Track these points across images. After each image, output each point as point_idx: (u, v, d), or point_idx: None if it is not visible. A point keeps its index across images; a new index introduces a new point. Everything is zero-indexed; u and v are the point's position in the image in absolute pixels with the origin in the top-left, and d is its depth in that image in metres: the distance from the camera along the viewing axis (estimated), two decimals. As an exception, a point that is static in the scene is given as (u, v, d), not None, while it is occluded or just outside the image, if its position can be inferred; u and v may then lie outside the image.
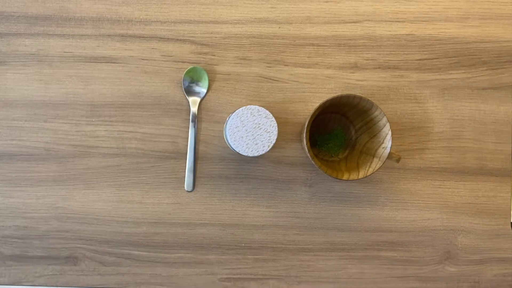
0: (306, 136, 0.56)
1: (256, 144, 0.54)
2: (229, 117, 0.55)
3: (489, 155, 0.65)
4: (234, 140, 0.54)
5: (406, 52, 0.65)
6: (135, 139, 0.65)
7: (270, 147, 0.55)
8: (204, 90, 0.64)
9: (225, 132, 0.56)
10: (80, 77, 0.65)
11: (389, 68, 0.65)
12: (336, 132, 0.63)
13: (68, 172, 0.65)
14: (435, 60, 0.65)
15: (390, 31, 0.65)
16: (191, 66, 0.64)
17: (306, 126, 0.56)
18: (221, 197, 0.65)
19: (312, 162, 0.56)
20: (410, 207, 0.65)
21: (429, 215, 0.65)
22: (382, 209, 0.65)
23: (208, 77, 0.64)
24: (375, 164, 0.56)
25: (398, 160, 0.56)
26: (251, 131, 0.54)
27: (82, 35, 0.65)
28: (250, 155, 0.55)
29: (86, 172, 0.65)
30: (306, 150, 0.56)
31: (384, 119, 0.55)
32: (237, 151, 0.55)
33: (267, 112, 0.55)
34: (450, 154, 0.65)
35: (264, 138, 0.55)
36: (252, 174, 0.65)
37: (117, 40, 0.65)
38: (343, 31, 0.65)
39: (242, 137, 0.54)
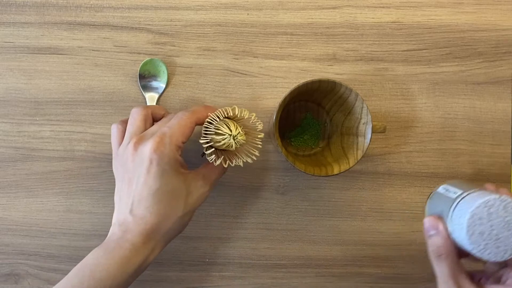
0: (275, 127, 0.52)
1: (497, 247, 0.43)
2: (470, 199, 0.43)
3: (486, 158, 0.62)
4: (472, 235, 0.42)
5: (391, 42, 0.62)
6: (84, 141, 0.61)
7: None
8: (163, 85, 0.61)
9: (452, 216, 0.44)
10: (22, 71, 0.61)
11: (372, 60, 0.62)
12: (306, 120, 0.61)
13: (8, 178, 0.61)
14: (424, 51, 0.62)
15: (373, 18, 0.62)
16: (148, 58, 0.61)
17: (274, 119, 0.53)
18: (182, 206, 0.61)
19: (287, 160, 0.53)
20: (396, 218, 0.62)
21: (418, 227, 0.62)
22: (364, 220, 0.62)
23: (167, 70, 0.61)
24: (362, 144, 0.54)
25: (384, 130, 0.55)
26: (497, 229, 0.43)
27: (24, 22, 0.61)
28: (486, 259, 0.43)
29: (29, 178, 0.61)
30: (277, 144, 0.52)
31: (353, 93, 0.54)
32: (469, 249, 0.43)
33: None
34: (441, 157, 0.62)
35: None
36: (217, 180, 0.61)
37: (64, 29, 0.61)
38: (320, 18, 0.62)
39: (483, 233, 0.43)
